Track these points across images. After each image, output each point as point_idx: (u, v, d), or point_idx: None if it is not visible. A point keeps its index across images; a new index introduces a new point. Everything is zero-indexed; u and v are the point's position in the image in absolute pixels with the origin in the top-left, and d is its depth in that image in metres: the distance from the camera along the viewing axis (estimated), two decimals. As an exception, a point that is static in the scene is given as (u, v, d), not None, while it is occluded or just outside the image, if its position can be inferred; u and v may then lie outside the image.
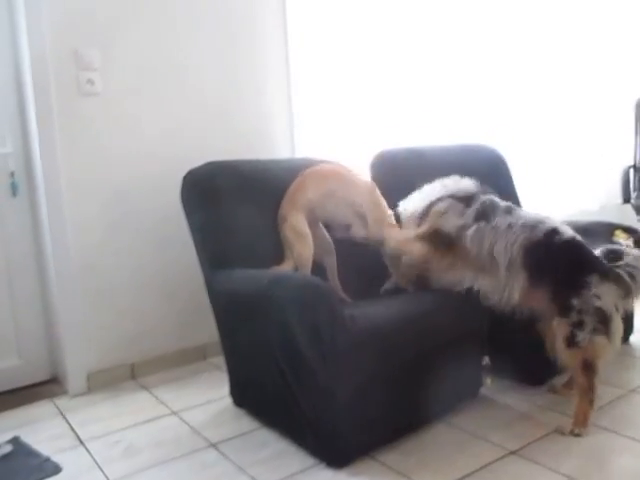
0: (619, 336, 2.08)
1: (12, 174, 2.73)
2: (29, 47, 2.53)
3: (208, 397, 2.59)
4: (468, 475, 1.88)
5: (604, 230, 3.04)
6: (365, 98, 3.40)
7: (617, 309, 2.06)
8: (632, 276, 2.08)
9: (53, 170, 2.62)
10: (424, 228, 2.30)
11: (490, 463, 1.94)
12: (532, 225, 2.13)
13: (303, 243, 2.38)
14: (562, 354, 2.08)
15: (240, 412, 2.43)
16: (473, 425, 2.15)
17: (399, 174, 2.79)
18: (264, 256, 2.39)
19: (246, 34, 3.10)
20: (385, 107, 3.47)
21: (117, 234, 2.81)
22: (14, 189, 2.74)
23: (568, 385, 2.32)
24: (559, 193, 4.14)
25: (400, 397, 2.06)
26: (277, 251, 2.42)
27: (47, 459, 2.14)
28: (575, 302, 2.02)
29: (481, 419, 2.21)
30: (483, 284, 2.16)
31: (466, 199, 2.27)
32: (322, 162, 2.66)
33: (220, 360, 2.63)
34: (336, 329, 1.89)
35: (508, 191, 3.33)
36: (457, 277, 2.21)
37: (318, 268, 2.44)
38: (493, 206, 2.22)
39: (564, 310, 2.03)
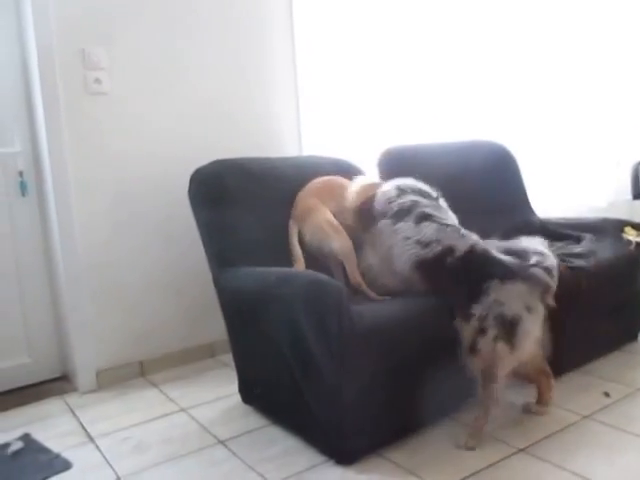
0: (530, 338, 2.00)
1: (21, 173, 2.75)
2: (36, 45, 2.54)
3: (216, 394, 2.60)
4: (476, 472, 1.88)
5: (613, 227, 3.03)
6: (371, 95, 3.40)
7: (529, 310, 1.98)
8: (549, 271, 2.03)
9: (61, 169, 2.64)
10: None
11: (498, 461, 1.94)
12: (426, 243, 2.12)
13: (342, 236, 2.35)
14: (466, 359, 2.02)
15: (248, 409, 2.44)
16: (481, 422, 2.15)
17: (406, 171, 2.77)
18: (272, 254, 2.39)
19: (253, 34, 3.11)
20: (392, 104, 3.46)
21: (125, 232, 2.82)
22: (23, 188, 2.76)
23: (540, 402, 2.24)
24: (567, 190, 4.12)
25: (407, 394, 2.06)
26: (286, 249, 2.43)
27: (57, 455, 2.16)
28: (475, 310, 1.98)
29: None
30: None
31: (401, 190, 2.29)
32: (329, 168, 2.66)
33: (228, 358, 2.64)
34: (343, 326, 1.89)
35: (516, 187, 3.33)
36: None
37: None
38: (410, 208, 2.21)
39: (466, 316, 2.00)
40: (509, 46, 3.86)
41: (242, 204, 2.45)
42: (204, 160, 2.54)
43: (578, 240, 2.93)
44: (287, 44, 3.20)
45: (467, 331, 2.00)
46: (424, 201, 2.24)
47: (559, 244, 2.92)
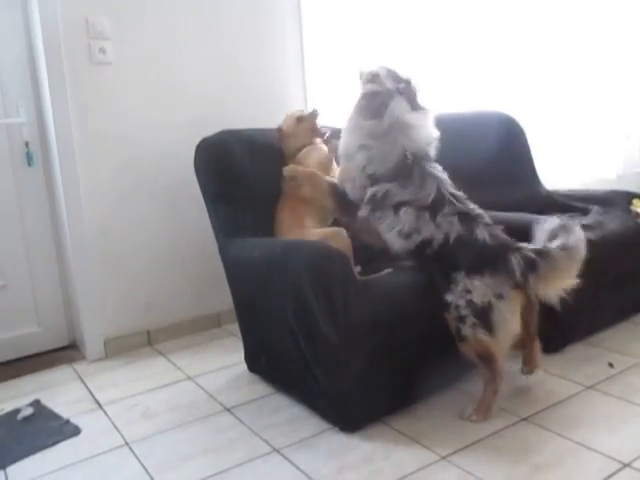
0: (509, 324, 1.95)
1: (27, 144, 2.75)
2: (40, 14, 2.52)
3: (223, 363, 2.63)
4: (479, 441, 1.91)
5: (622, 199, 3.01)
6: (377, 64, 3.35)
7: (500, 297, 1.92)
8: (530, 261, 1.92)
9: (67, 139, 2.64)
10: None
11: (501, 429, 1.96)
12: (407, 234, 2.07)
13: (335, 237, 2.29)
14: (458, 346, 2.00)
15: (254, 378, 2.47)
16: (484, 392, 2.17)
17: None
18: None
19: (264, 5, 3.07)
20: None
21: (131, 201, 2.83)
22: (29, 159, 2.76)
23: (525, 361, 2.24)
24: (576, 161, 4.08)
25: (412, 364, 2.07)
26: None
27: (67, 421, 2.20)
28: (449, 298, 1.96)
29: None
30: None
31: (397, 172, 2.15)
32: None
33: (235, 327, 2.66)
34: (349, 296, 1.90)
35: (523, 158, 3.30)
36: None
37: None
38: (383, 198, 2.12)
39: (444, 306, 1.98)
40: (518, 17, 3.79)
41: (248, 174, 2.44)
42: (210, 128, 2.53)
43: (585, 212, 2.91)
44: (294, 11, 3.16)
45: (449, 320, 1.99)
46: (395, 189, 2.11)
47: (566, 216, 2.91)
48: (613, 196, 3.04)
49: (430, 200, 2.07)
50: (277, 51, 3.15)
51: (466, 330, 1.95)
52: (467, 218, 2.05)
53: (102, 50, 2.69)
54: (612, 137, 4.25)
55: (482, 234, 2.01)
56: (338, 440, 1.96)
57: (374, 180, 2.15)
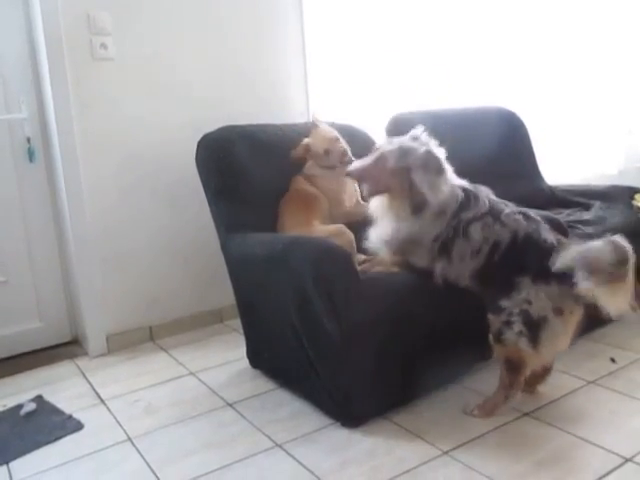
0: (556, 341, 1.92)
1: (28, 140, 2.74)
2: (41, 9, 2.51)
3: (225, 358, 2.64)
4: (481, 436, 1.91)
5: (623, 194, 3.00)
6: (379, 61, 3.35)
7: (558, 312, 1.88)
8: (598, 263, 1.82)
9: (68, 135, 2.63)
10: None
11: (503, 424, 1.97)
12: (478, 249, 1.98)
13: (340, 234, 2.32)
14: (492, 345, 1.98)
15: (256, 373, 2.47)
16: (487, 387, 2.15)
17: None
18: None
19: (266, 4, 3.07)
20: (400, 70, 3.41)
21: (133, 198, 2.83)
22: (31, 155, 2.76)
23: (528, 382, 2.13)
24: (577, 156, 4.08)
25: (415, 360, 2.07)
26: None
27: (69, 417, 2.21)
28: (505, 304, 1.91)
29: (495, 381, 2.20)
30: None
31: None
32: None
33: (237, 323, 2.66)
34: (351, 293, 1.90)
35: (525, 154, 3.29)
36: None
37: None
38: (456, 233, 2.02)
39: (495, 309, 1.93)
40: (519, 12, 3.78)
41: (250, 170, 2.44)
42: (212, 125, 2.52)
43: (587, 207, 2.91)
44: (295, 9, 3.15)
45: (494, 320, 1.95)
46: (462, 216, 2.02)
47: (568, 211, 2.91)
48: (615, 191, 3.04)
49: (487, 206, 2.03)
50: (278, 50, 3.14)
51: (509, 334, 1.91)
52: (527, 218, 2.01)
53: (103, 46, 2.68)
54: (614, 132, 4.25)
55: (549, 236, 1.96)
56: (340, 435, 1.97)
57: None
